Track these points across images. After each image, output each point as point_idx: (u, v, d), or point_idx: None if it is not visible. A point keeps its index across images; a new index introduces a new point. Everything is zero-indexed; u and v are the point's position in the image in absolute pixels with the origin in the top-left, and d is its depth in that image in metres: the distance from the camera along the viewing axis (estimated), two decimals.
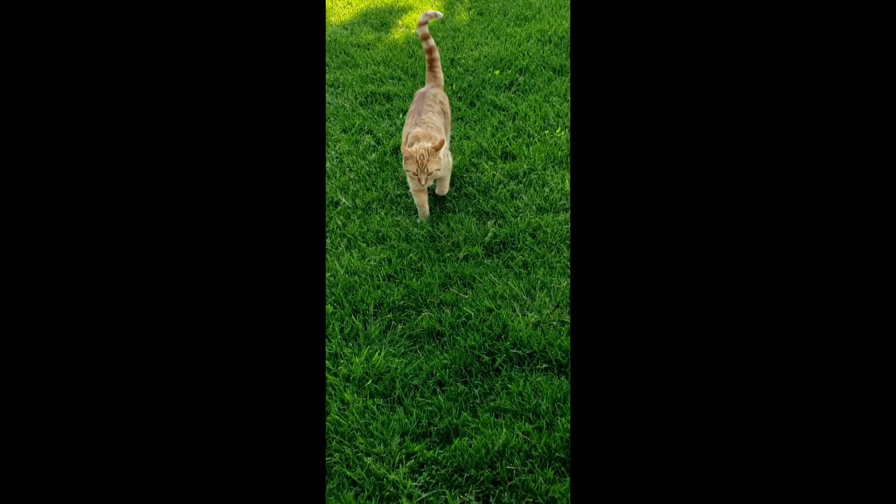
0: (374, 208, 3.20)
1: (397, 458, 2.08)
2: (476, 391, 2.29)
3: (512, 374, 2.33)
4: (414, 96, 3.40)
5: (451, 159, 3.23)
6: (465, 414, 2.20)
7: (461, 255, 2.88)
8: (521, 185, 3.26)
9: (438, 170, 2.94)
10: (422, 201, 3.11)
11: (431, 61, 3.41)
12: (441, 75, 3.45)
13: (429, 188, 3.20)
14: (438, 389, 2.31)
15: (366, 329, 2.56)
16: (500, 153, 3.52)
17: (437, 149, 2.91)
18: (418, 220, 3.09)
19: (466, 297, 2.67)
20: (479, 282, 2.73)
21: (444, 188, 3.23)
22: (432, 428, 2.18)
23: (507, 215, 3.07)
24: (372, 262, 2.87)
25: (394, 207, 3.19)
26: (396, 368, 2.38)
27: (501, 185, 3.27)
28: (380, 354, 2.43)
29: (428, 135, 3.06)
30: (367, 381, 2.34)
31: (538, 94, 4.02)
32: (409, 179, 3.05)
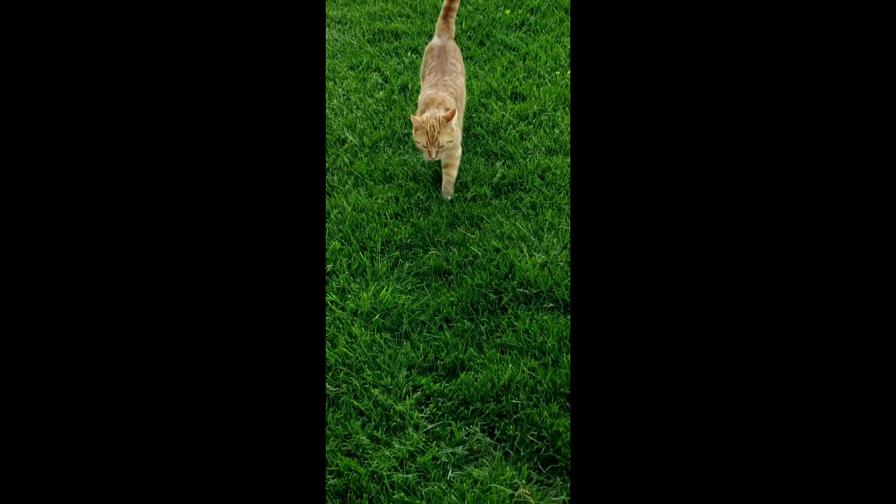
0: (382, 147, 3.17)
1: (404, 391, 2.12)
2: (482, 328, 2.31)
3: (518, 312, 2.35)
4: (428, 50, 3.08)
5: (460, 147, 2.89)
6: (472, 349, 2.22)
7: (469, 195, 2.87)
8: (531, 127, 3.22)
9: (450, 142, 2.68)
10: (451, 176, 2.85)
11: (449, 9, 3.11)
12: (454, 26, 3.18)
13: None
14: (445, 326, 2.33)
15: (373, 266, 2.57)
16: (509, 94, 3.46)
17: (449, 119, 2.64)
18: (443, 197, 2.86)
19: (474, 236, 2.67)
20: (487, 222, 2.73)
21: (449, 179, 2.84)
22: (439, 362, 2.20)
23: (516, 156, 3.04)
24: (379, 201, 2.86)
25: (401, 146, 3.15)
26: (403, 304, 2.40)
27: (511, 126, 3.23)
28: (387, 290, 2.44)
29: (441, 100, 2.77)
30: (375, 315, 2.36)
31: (549, 34, 3.94)
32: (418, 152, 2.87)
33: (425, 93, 2.86)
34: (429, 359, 2.21)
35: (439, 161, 2.89)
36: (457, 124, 2.74)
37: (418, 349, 2.24)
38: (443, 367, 2.19)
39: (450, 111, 2.67)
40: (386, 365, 2.19)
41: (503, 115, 3.30)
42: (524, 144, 3.12)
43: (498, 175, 2.94)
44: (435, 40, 3.09)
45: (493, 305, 2.39)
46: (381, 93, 3.54)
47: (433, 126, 2.62)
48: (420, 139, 2.67)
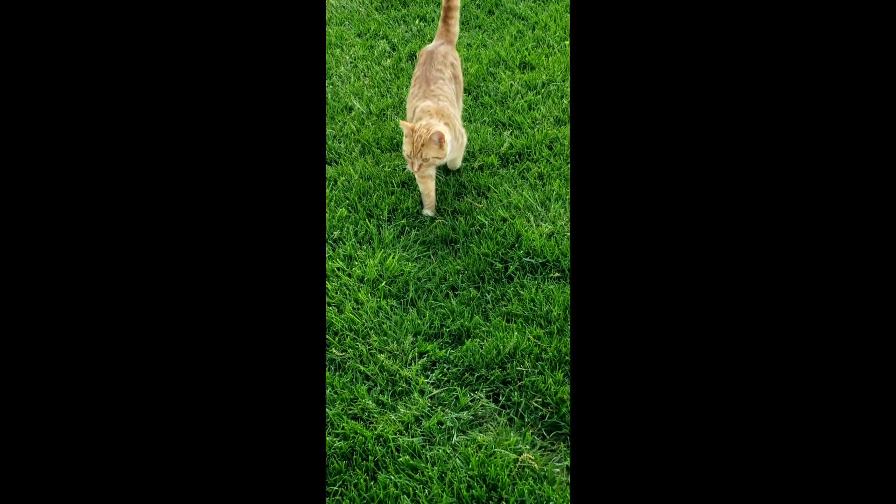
0: (389, 115, 3.15)
1: (410, 356, 2.13)
2: (488, 296, 2.31)
3: (524, 281, 2.35)
4: (419, 56, 2.83)
5: (465, 138, 2.73)
6: (477, 317, 2.23)
7: (476, 164, 2.86)
8: (539, 97, 3.20)
9: (438, 159, 2.46)
10: (427, 189, 2.59)
11: (449, 10, 2.79)
12: (456, 29, 2.85)
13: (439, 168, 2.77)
14: (451, 293, 2.34)
15: (380, 233, 2.57)
16: (518, 63, 3.43)
17: (440, 141, 2.42)
18: (423, 213, 2.64)
19: (481, 206, 2.67)
20: (494, 192, 2.72)
21: (455, 165, 2.80)
22: (444, 329, 2.21)
23: (524, 126, 3.03)
24: (386, 169, 2.85)
25: None
26: (410, 272, 2.40)
27: (519, 96, 3.21)
28: (393, 258, 2.44)
29: (442, 112, 2.52)
30: (381, 282, 2.37)
31: (559, 3, 3.88)
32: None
33: (420, 103, 2.61)
34: (434, 326, 2.22)
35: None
36: (460, 133, 2.61)
37: (424, 316, 2.25)
38: (448, 335, 2.20)
39: (441, 132, 2.42)
40: (392, 331, 2.20)
41: (511, 85, 3.27)
42: (532, 114, 3.10)
43: (506, 145, 2.93)
44: (429, 45, 2.82)
45: (499, 274, 2.40)
46: (388, 60, 3.51)
47: (421, 136, 2.40)
48: (405, 147, 2.47)
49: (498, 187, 2.74)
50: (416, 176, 2.61)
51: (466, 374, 2.08)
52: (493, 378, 2.06)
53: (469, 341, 2.15)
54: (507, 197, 2.69)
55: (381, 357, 2.12)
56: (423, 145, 2.41)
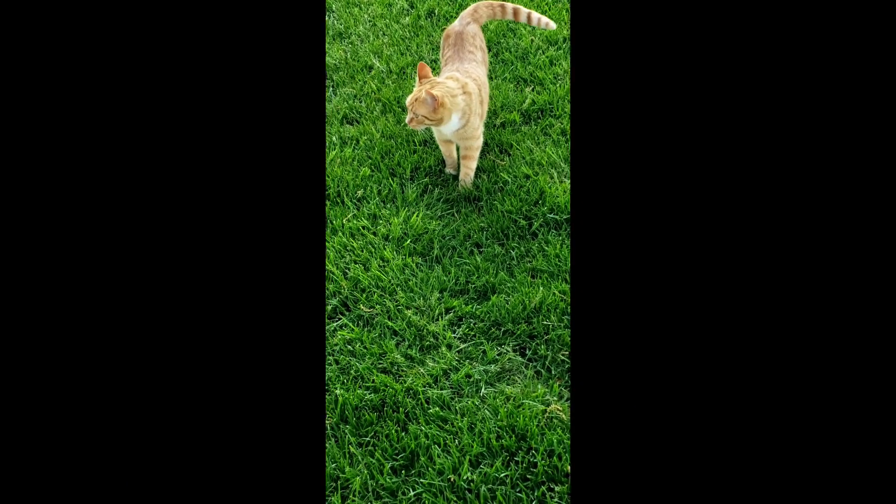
0: (409, 73, 3.13)
1: (436, 312, 2.16)
2: (513, 253, 2.33)
3: (549, 237, 2.36)
4: (445, 37, 2.70)
5: (481, 138, 2.56)
6: (502, 273, 2.25)
7: (498, 122, 2.84)
8: (561, 52, 3.16)
9: (430, 121, 2.36)
10: (446, 150, 2.63)
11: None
12: (485, 19, 2.78)
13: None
14: (475, 251, 2.36)
15: (403, 192, 2.58)
16: None
17: (435, 104, 2.33)
18: (445, 171, 2.65)
19: (503, 163, 2.66)
20: (517, 148, 2.71)
21: (466, 171, 2.56)
22: (470, 286, 2.23)
23: (546, 82, 2.99)
24: (408, 128, 2.85)
25: None
26: (434, 230, 2.42)
27: (540, 52, 3.17)
28: (417, 216, 2.45)
29: (465, 87, 2.44)
30: (406, 240, 2.39)
31: None
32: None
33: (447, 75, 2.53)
34: (460, 282, 2.24)
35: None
36: (476, 114, 2.47)
37: (449, 273, 2.27)
38: (474, 291, 2.22)
39: (439, 96, 2.32)
40: (418, 288, 2.23)
41: (532, 41, 3.23)
42: (554, 70, 3.06)
43: (527, 101, 2.90)
44: (455, 25, 2.68)
45: (523, 231, 2.40)
46: (407, 18, 3.47)
47: (416, 98, 2.34)
48: (409, 96, 2.41)
49: (520, 144, 2.73)
50: (460, 156, 2.58)
51: (493, 329, 2.11)
52: (519, 332, 2.08)
53: (494, 297, 2.17)
54: (529, 154, 2.68)
55: (408, 313, 2.15)
56: (416, 100, 2.34)
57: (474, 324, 2.12)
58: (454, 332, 2.11)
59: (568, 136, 2.74)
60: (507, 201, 2.48)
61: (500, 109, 2.89)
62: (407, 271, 2.29)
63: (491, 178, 2.59)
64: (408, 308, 2.18)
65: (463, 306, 2.16)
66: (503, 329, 2.10)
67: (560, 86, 2.96)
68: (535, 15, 2.78)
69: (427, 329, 2.11)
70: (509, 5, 2.77)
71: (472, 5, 2.76)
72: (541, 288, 2.18)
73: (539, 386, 1.94)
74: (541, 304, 2.13)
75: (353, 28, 3.44)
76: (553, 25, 2.80)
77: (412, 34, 3.37)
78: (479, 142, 2.57)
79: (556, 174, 2.59)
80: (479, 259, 2.31)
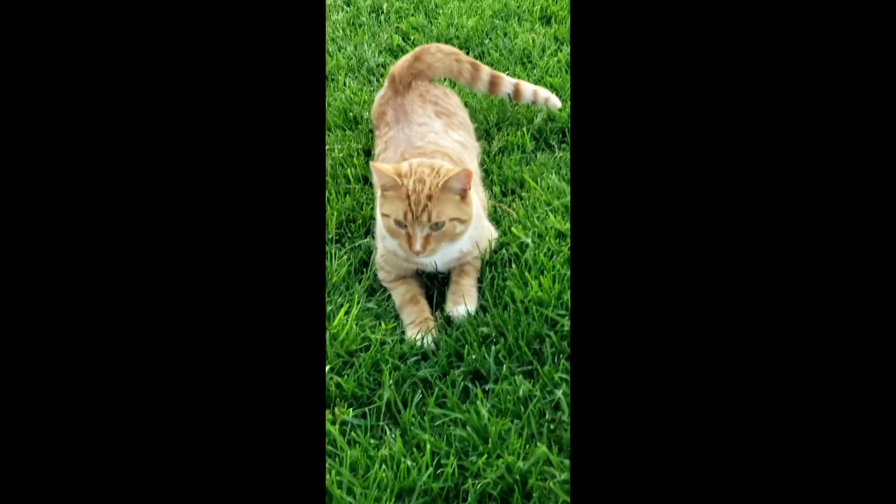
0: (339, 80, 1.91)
1: None
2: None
3: None
4: (374, 111, 1.70)
5: (494, 231, 1.42)
6: (542, 447, 0.96)
7: (496, 147, 1.63)
8: None
9: (460, 223, 1.28)
10: (408, 293, 1.34)
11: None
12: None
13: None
14: (475, 387, 1.07)
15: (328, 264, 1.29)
16: (538, 16, 2.26)
17: (465, 180, 1.25)
18: (410, 336, 1.24)
19: (511, 212, 1.43)
20: (534, 189, 1.49)
21: (464, 292, 1.31)
22: (468, 480, 0.94)
23: (565, 90, 1.83)
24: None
25: None
26: (382, 343, 1.13)
27: (548, 53, 2.02)
28: (347, 315, 1.17)
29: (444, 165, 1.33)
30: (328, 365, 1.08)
31: None
32: (383, 240, 1.35)
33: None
34: (444, 473, 0.94)
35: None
36: (477, 195, 1.40)
37: (420, 449, 0.96)
38: (477, 495, 0.92)
39: (463, 169, 1.25)
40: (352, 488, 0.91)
41: (533, 39, 2.09)
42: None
43: (540, 116, 1.71)
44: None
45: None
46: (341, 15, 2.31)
47: (420, 179, 1.24)
48: (395, 209, 1.25)
49: (540, 180, 1.51)
50: (388, 284, 1.36)
51: None
52: None
53: None
54: (557, 197, 1.45)
55: None
56: (442, 186, 1.23)
57: None
58: None
59: None
60: (533, 289, 1.23)
61: (494, 127, 1.69)
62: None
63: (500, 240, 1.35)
64: None
65: None
66: None
67: None
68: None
69: None
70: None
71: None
72: None
73: None
74: None
75: None
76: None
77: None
78: (493, 237, 1.40)
79: None
80: (483, 408, 1.04)
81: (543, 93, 1.72)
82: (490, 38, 2.16)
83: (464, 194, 1.23)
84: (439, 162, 1.30)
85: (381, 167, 1.23)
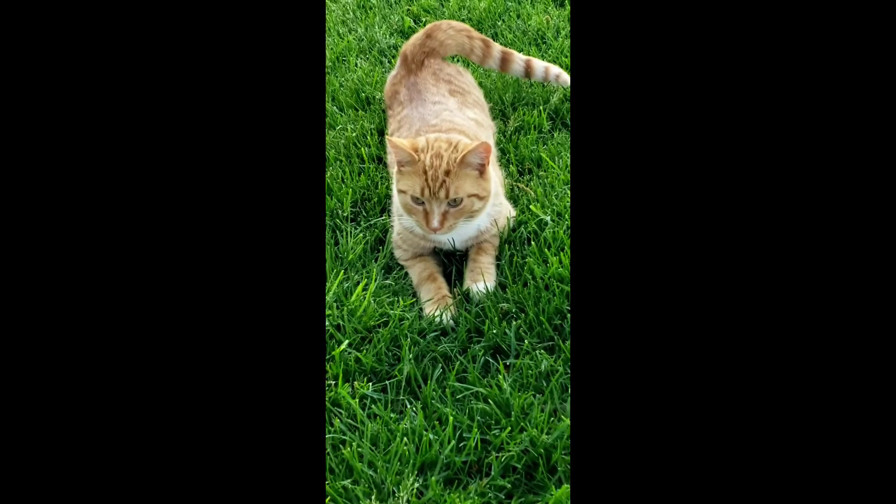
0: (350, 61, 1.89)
1: None
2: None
3: None
4: (387, 91, 1.68)
5: (512, 209, 1.40)
6: (566, 420, 0.95)
7: (511, 126, 1.62)
8: None
9: (479, 200, 1.25)
10: (426, 270, 1.31)
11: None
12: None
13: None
14: (495, 363, 1.06)
15: (338, 244, 1.28)
16: None
17: (484, 154, 1.22)
18: (427, 313, 1.21)
19: (529, 189, 1.42)
20: (551, 167, 1.48)
21: (483, 270, 1.28)
22: (490, 454, 0.92)
23: None
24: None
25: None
26: (400, 318, 1.11)
27: (562, 34, 2.00)
28: (365, 290, 1.15)
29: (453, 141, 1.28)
30: (343, 341, 1.07)
31: None
32: (399, 218, 1.32)
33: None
34: (467, 445, 0.93)
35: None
36: (494, 173, 1.36)
37: (443, 423, 0.95)
38: (501, 467, 0.91)
39: (488, 150, 1.22)
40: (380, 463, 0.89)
41: (547, 20, 2.07)
42: None
43: (557, 95, 1.70)
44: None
45: None
46: None
47: (437, 154, 1.21)
48: (412, 185, 1.23)
49: (557, 159, 1.49)
50: (407, 263, 1.33)
51: None
52: None
53: (558, 489, 0.86)
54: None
55: None
56: (460, 161, 1.21)
57: None
58: None
59: None
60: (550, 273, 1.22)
61: (509, 107, 1.67)
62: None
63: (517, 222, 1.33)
64: None
65: None
66: None
67: None
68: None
69: None
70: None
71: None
72: None
73: None
74: None
75: None
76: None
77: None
78: (511, 215, 1.39)
79: None
80: (505, 383, 1.02)
81: (554, 69, 1.71)
82: (503, 20, 2.14)
83: (482, 170, 1.21)
84: (457, 136, 1.28)
85: (398, 142, 1.21)
